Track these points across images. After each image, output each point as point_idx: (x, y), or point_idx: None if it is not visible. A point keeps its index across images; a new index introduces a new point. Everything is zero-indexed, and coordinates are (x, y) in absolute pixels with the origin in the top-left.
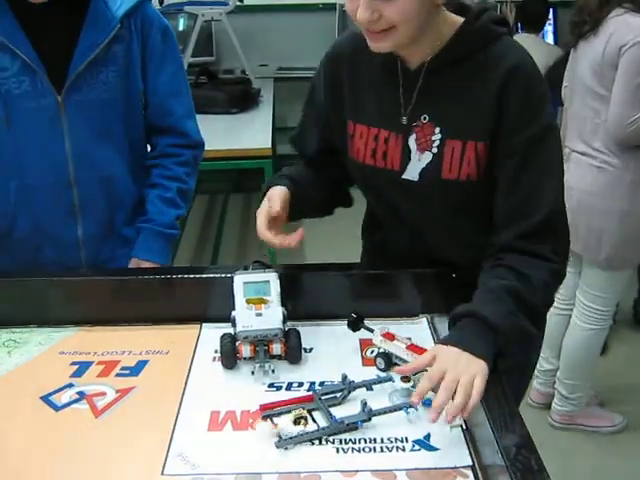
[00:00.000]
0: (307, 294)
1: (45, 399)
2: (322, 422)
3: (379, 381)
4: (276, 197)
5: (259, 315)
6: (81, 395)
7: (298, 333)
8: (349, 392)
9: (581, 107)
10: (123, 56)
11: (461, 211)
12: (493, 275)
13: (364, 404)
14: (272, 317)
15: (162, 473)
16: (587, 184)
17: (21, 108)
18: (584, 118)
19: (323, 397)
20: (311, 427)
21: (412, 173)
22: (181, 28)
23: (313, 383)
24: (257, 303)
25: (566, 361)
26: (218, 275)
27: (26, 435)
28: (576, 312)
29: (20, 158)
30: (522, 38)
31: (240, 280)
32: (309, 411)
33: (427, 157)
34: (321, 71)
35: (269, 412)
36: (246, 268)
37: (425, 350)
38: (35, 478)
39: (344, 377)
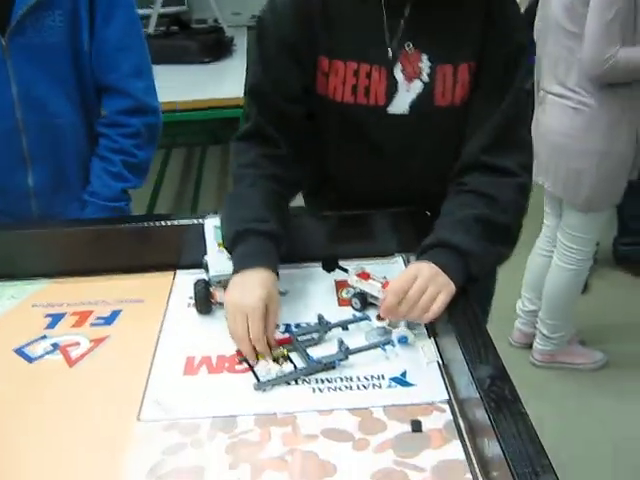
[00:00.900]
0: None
1: (19, 351)
2: (299, 363)
3: (355, 320)
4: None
5: (231, 259)
6: (55, 346)
7: None
8: (325, 332)
9: (554, 47)
10: (69, 2)
11: (449, 139)
12: (458, 203)
13: (341, 343)
14: None
15: (138, 419)
16: (564, 126)
17: None
18: (558, 58)
19: (300, 338)
20: (288, 368)
21: (400, 106)
22: None
23: (289, 325)
24: None
25: (547, 301)
26: (190, 221)
27: (0, 388)
28: (556, 253)
29: None
30: None
31: (211, 224)
32: (286, 352)
33: (417, 86)
34: (284, 1)
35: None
36: (216, 212)
37: None
38: (10, 429)
39: (320, 318)
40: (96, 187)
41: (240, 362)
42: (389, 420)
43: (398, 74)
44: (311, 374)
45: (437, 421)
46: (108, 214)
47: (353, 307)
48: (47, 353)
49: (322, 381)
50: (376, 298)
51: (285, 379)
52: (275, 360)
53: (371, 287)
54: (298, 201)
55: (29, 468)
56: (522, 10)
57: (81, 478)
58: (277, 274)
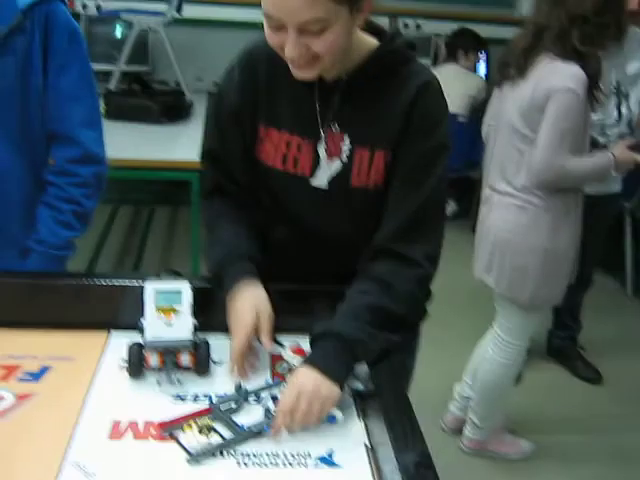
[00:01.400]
0: (221, 306)
1: None
2: (226, 433)
3: (269, 387)
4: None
5: (169, 325)
6: None
7: (208, 345)
8: (244, 400)
9: (505, 146)
10: (23, 49)
11: (363, 220)
12: (359, 290)
13: (266, 410)
14: (182, 327)
15: None
16: (509, 223)
17: None
18: (508, 157)
19: (221, 407)
20: (215, 439)
21: (321, 180)
22: (118, 35)
23: (221, 396)
24: (168, 312)
25: (478, 391)
26: (128, 282)
27: None
28: (491, 344)
29: None
30: (444, 66)
31: (151, 288)
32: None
33: (337, 165)
34: (236, 72)
35: (169, 428)
36: (158, 276)
37: None
38: None
39: (237, 386)
40: (44, 235)
41: (169, 437)
42: None
43: (321, 150)
44: (242, 442)
45: None
46: (54, 263)
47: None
48: None
49: (248, 455)
50: None
51: (218, 448)
52: (200, 431)
53: None
54: None
55: None
56: (477, 99)
57: None
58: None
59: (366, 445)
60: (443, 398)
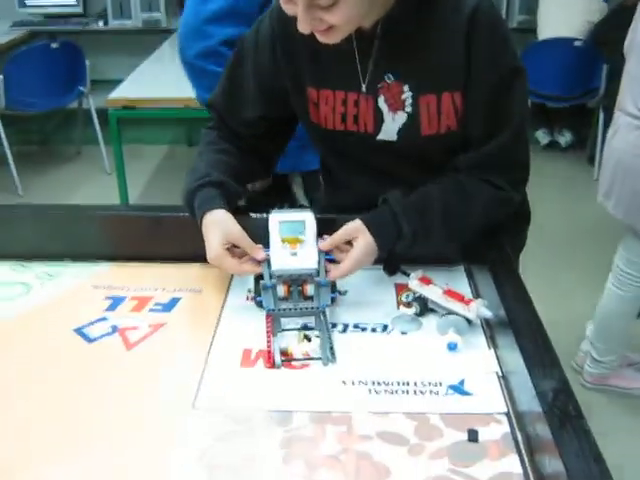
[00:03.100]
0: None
1: (78, 331)
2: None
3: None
4: (240, 239)
5: (294, 254)
6: (114, 328)
7: None
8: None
9: (635, 66)
10: None
11: (443, 157)
12: (437, 184)
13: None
14: (307, 257)
15: (193, 407)
16: (630, 145)
17: None
18: (636, 78)
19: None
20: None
21: (389, 134)
22: None
23: (347, 325)
24: (292, 242)
25: (598, 325)
26: (253, 214)
27: (58, 365)
28: (611, 276)
29: None
30: None
31: (276, 219)
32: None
33: (402, 117)
34: (266, 30)
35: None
36: (282, 207)
37: (462, 296)
38: (65, 406)
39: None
40: None
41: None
42: (446, 427)
43: (382, 104)
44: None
45: (494, 433)
46: None
47: (414, 312)
48: (106, 334)
49: (379, 383)
50: (436, 304)
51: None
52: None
53: (432, 292)
54: None
55: (81, 447)
56: (595, 22)
57: (132, 460)
58: (230, 210)
59: (497, 373)
60: (565, 332)
